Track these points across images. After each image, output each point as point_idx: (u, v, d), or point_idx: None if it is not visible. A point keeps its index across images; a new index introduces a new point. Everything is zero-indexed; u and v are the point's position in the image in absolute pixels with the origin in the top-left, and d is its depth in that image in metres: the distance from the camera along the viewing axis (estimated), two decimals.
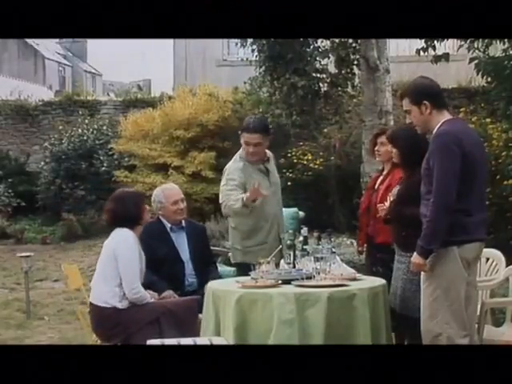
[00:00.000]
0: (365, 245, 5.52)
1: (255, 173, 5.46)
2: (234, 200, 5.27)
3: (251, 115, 6.31)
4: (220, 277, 5.66)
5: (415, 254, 4.12)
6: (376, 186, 5.38)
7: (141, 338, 4.74)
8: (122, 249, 5.04)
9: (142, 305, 5.05)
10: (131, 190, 5.66)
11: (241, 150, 5.56)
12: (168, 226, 5.67)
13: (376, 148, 5.43)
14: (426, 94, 4.20)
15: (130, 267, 5.02)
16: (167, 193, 5.62)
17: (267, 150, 5.60)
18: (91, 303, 5.14)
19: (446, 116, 4.21)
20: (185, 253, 5.65)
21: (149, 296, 5.12)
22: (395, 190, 4.92)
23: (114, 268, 5.02)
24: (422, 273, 4.19)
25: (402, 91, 4.40)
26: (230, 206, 5.32)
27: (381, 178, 5.40)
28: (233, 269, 6.12)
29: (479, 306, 4.80)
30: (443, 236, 4.03)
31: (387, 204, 4.87)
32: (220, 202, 5.48)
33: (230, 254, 5.89)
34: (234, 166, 5.49)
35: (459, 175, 4.02)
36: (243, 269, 5.19)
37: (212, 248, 7.23)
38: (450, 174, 4.01)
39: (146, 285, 5.21)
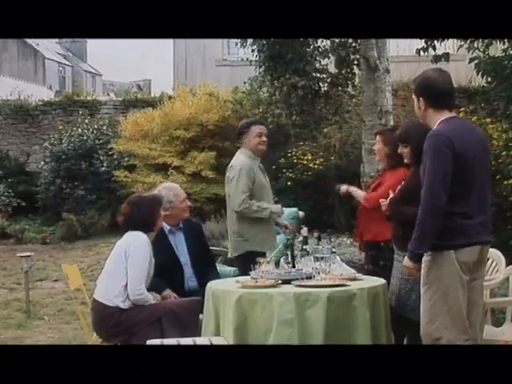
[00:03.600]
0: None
1: (257, 169, 5.84)
2: (261, 208, 5.70)
3: (245, 118, 6.73)
4: (219, 277, 5.66)
5: (406, 257, 4.10)
6: (372, 186, 5.41)
7: (142, 338, 4.74)
8: (133, 249, 5.05)
9: (143, 306, 5.04)
10: (148, 196, 5.53)
11: (241, 150, 5.88)
12: (167, 228, 5.64)
13: (372, 147, 5.46)
14: (424, 91, 4.12)
15: (138, 267, 5.02)
16: (176, 192, 5.70)
17: None
18: (95, 300, 5.14)
19: (445, 115, 4.11)
20: (184, 256, 5.64)
21: (152, 298, 5.12)
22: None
23: (123, 267, 5.03)
24: (422, 276, 4.16)
25: (415, 78, 4.32)
26: (255, 213, 5.69)
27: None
28: (233, 269, 6.13)
29: None
30: (431, 239, 3.95)
31: (387, 201, 4.85)
32: (237, 201, 5.68)
33: (230, 248, 5.96)
34: (244, 161, 5.80)
35: (453, 177, 3.95)
36: (246, 259, 5.49)
37: (212, 248, 7.24)
38: (439, 176, 3.93)
39: (146, 287, 5.21)
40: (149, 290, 5.18)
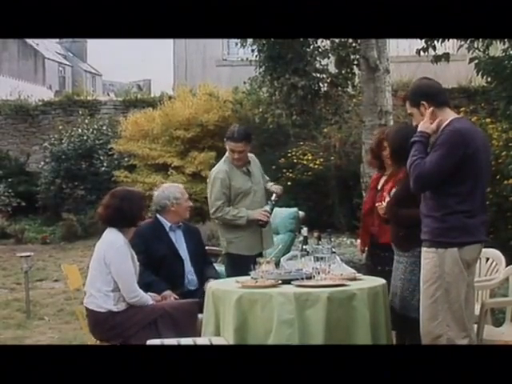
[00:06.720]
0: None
1: (238, 174, 5.86)
2: (236, 216, 5.74)
3: (234, 124, 6.68)
4: (219, 275, 5.70)
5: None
6: (379, 187, 5.35)
7: (139, 340, 4.73)
8: (112, 256, 4.97)
9: (139, 307, 5.01)
10: (136, 190, 5.64)
11: (226, 155, 5.98)
12: (167, 225, 5.74)
13: (388, 151, 5.30)
14: (422, 94, 4.19)
15: (125, 274, 4.97)
16: (182, 190, 5.83)
17: (249, 154, 6.01)
18: (86, 308, 5.11)
19: (451, 114, 4.19)
20: (183, 251, 5.72)
21: (150, 298, 5.10)
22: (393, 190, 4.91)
23: (107, 274, 4.97)
24: (422, 274, 4.18)
25: (404, 95, 4.42)
26: (230, 221, 5.76)
27: (384, 178, 5.35)
28: None
29: (479, 306, 4.80)
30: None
31: (384, 204, 4.86)
32: (211, 208, 5.81)
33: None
34: (221, 168, 5.86)
35: (464, 176, 4.03)
36: (229, 259, 5.83)
37: (212, 248, 7.28)
38: (443, 169, 4.02)
39: (145, 285, 5.22)
40: (148, 288, 5.17)
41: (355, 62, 10.46)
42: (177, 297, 5.37)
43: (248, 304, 4.35)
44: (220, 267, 6.30)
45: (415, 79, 4.53)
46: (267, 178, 6.21)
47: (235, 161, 5.86)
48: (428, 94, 4.18)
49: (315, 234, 5.07)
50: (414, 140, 4.17)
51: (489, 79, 8.41)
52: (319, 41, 10.45)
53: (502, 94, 8.31)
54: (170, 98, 14.86)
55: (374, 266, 5.29)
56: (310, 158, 12.75)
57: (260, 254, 5.62)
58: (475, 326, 4.51)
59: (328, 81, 10.83)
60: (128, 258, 5.02)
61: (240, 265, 5.18)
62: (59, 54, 49.08)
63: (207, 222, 10.84)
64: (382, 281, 4.67)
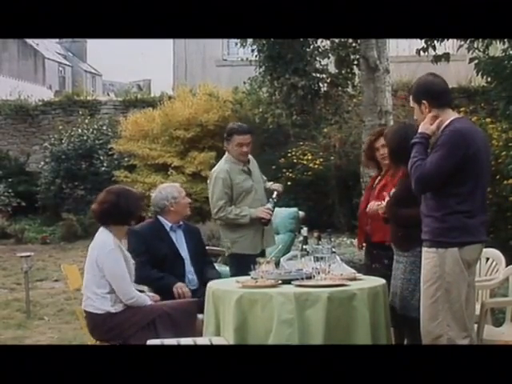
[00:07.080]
0: (364, 243, 5.52)
1: (239, 173, 5.83)
2: (239, 215, 5.72)
3: (233, 122, 6.66)
4: (219, 275, 5.71)
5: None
6: (374, 185, 5.39)
7: (137, 340, 4.73)
8: (104, 260, 4.93)
9: (137, 307, 4.99)
10: (132, 189, 5.65)
11: (226, 155, 5.94)
12: (168, 225, 5.76)
13: (380, 153, 5.32)
14: (424, 93, 4.18)
15: (119, 277, 4.94)
16: (179, 189, 5.85)
17: None
18: (84, 310, 5.09)
19: (451, 114, 4.18)
20: (184, 250, 5.75)
21: (147, 298, 5.10)
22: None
23: (101, 277, 4.94)
24: (422, 274, 4.18)
25: (410, 87, 4.43)
26: (232, 220, 5.74)
27: (379, 177, 5.40)
28: None
29: (479, 306, 4.80)
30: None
31: (384, 203, 4.87)
32: (214, 208, 5.78)
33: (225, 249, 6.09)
34: (221, 168, 5.83)
35: (465, 177, 4.03)
36: (233, 259, 5.80)
37: (212, 248, 7.29)
38: (443, 170, 4.01)
39: (156, 280, 5.36)
40: (158, 284, 5.22)
41: (355, 62, 10.46)
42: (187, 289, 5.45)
43: (248, 304, 4.35)
44: (220, 267, 6.31)
45: (416, 79, 4.51)
46: (265, 178, 6.20)
47: (243, 155, 5.82)
48: (430, 94, 4.17)
49: (315, 234, 5.07)
50: (415, 142, 4.16)
51: (488, 79, 8.42)
52: (319, 41, 10.45)
53: (502, 94, 8.31)
54: (169, 97, 14.87)
55: (371, 264, 5.33)
56: (309, 157, 12.75)
57: (263, 252, 5.64)
58: (475, 325, 4.51)
59: (328, 81, 10.83)
60: (120, 260, 4.97)
61: (245, 264, 5.14)
62: (59, 53, 49.08)
63: (207, 222, 10.85)
64: (382, 281, 4.67)
